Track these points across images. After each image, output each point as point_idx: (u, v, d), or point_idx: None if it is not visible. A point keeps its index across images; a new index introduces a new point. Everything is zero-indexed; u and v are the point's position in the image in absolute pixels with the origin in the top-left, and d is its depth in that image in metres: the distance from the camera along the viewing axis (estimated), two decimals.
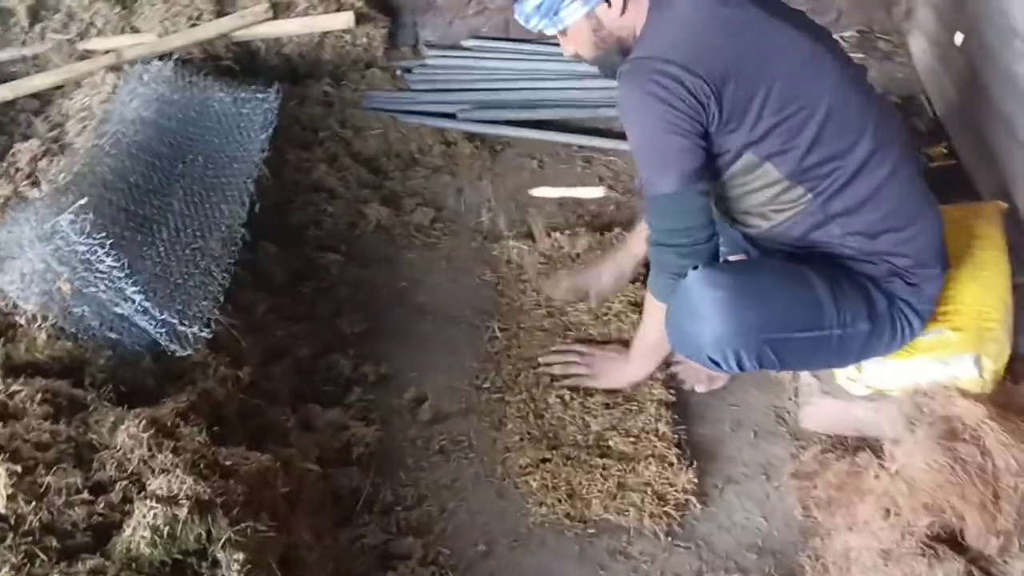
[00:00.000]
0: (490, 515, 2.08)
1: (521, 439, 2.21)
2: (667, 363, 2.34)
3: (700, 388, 2.31)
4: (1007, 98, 2.59)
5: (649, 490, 2.07)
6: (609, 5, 1.87)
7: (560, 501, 2.07)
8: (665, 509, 2.04)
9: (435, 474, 2.17)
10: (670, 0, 1.87)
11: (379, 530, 2.02)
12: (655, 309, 2.05)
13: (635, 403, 2.26)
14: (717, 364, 1.92)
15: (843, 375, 2.14)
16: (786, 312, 1.89)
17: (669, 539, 2.02)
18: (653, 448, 2.16)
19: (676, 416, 2.25)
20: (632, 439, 2.18)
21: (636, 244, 2.40)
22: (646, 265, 2.30)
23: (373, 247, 2.78)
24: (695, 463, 2.14)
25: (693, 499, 2.07)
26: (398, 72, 3.42)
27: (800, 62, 1.86)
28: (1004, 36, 2.60)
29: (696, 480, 2.10)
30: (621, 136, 3.10)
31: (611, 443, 2.18)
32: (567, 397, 2.28)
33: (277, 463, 1.86)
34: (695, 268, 1.88)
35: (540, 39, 3.45)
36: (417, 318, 2.57)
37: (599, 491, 2.07)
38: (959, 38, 2.94)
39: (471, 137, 3.16)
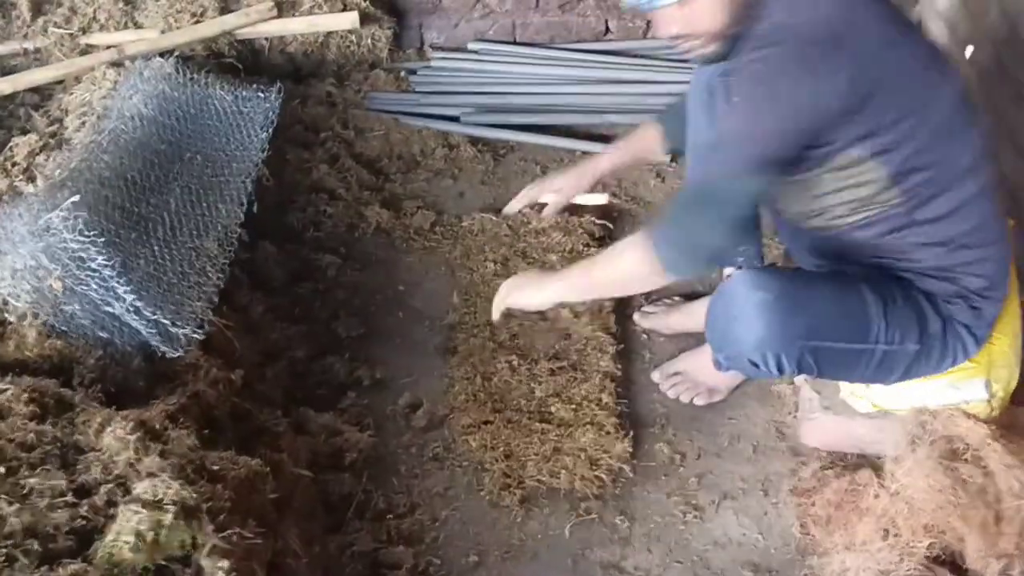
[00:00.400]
0: (483, 525, 2.05)
1: (467, 400, 2.28)
2: (671, 372, 2.32)
3: (699, 401, 2.29)
4: (1016, 113, 2.56)
5: (583, 455, 2.12)
6: None
7: (497, 461, 2.13)
8: (597, 474, 2.09)
9: (428, 482, 2.14)
10: None
11: (370, 538, 1.99)
12: (633, 263, 1.88)
13: (581, 372, 2.32)
14: (756, 366, 1.86)
15: (848, 390, 2.11)
16: (832, 321, 1.83)
17: (665, 554, 1.99)
18: (593, 416, 2.21)
19: (620, 389, 2.29)
20: (574, 406, 2.24)
21: (603, 160, 2.38)
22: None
23: (372, 249, 2.75)
24: (632, 433, 2.18)
25: (626, 467, 2.12)
26: (402, 74, 3.39)
27: (923, 61, 1.76)
28: (1015, 50, 2.57)
29: (631, 449, 2.15)
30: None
31: (553, 409, 2.25)
32: (515, 362, 2.34)
33: (267, 468, 1.82)
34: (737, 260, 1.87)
35: (546, 43, 3.46)
36: (414, 323, 2.54)
37: (535, 454, 2.14)
38: (969, 51, 2.91)
39: (474, 141, 3.13)
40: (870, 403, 2.07)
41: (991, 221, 1.88)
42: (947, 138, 1.77)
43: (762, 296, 1.81)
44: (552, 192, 2.37)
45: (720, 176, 1.77)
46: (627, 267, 1.90)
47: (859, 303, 1.84)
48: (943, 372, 1.98)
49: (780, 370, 1.85)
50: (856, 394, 2.08)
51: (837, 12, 1.68)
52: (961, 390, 1.99)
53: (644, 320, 2.52)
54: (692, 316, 2.41)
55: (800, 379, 2.23)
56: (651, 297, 2.57)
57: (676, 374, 2.31)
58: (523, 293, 2.06)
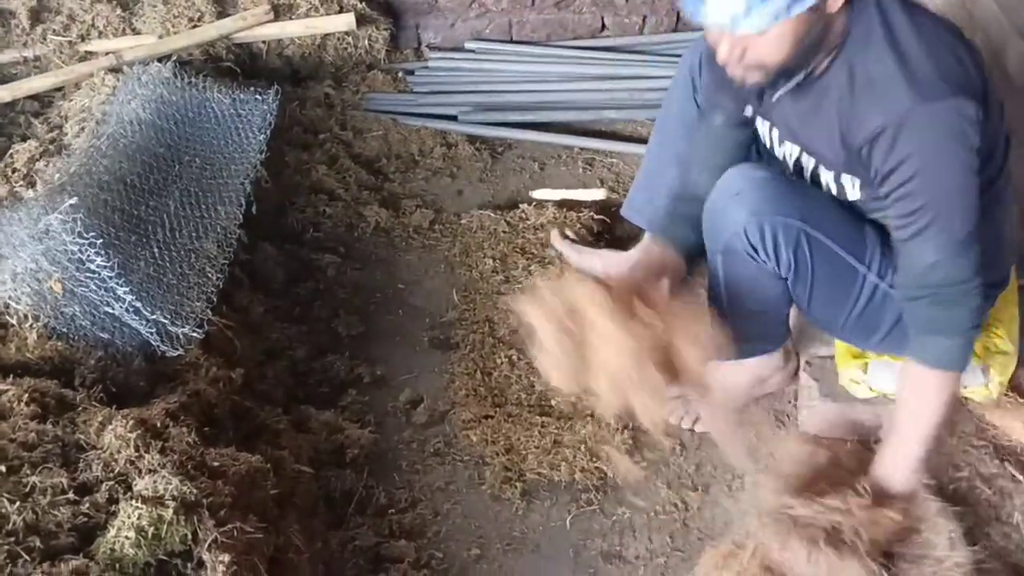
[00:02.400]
0: (484, 518, 2.06)
1: (467, 395, 2.29)
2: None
3: (687, 424, 2.23)
4: (1010, 102, 2.55)
5: (583, 447, 2.14)
6: None
7: (498, 455, 2.14)
8: (597, 465, 2.10)
9: (429, 477, 2.15)
10: (886, 5, 1.64)
11: (371, 533, 2.00)
12: (932, 388, 1.76)
13: None
14: (754, 251, 1.83)
15: (847, 377, 2.11)
16: (830, 218, 1.80)
17: (666, 544, 2.00)
18: (593, 409, 2.19)
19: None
20: (574, 399, 2.22)
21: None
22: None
23: (371, 249, 2.76)
24: (631, 425, 2.16)
25: (627, 458, 2.11)
26: (399, 74, 3.41)
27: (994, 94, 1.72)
28: (1008, 40, 2.57)
29: (630, 441, 2.14)
30: (622, 138, 3.12)
31: (553, 402, 2.26)
32: (514, 357, 2.36)
33: (267, 464, 1.84)
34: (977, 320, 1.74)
35: (542, 41, 3.47)
36: (414, 320, 2.55)
37: (535, 447, 2.15)
38: None
39: (472, 139, 3.14)
40: (869, 388, 2.07)
41: (1008, 220, 1.88)
42: (994, 154, 1.76)
43: (761, 173, 1.84)
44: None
45: (951, 258, 1.67)
46: (940, 401, 1.77)
47: (858, 222, 1.83)
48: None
49: (777, 255, 1.81)
50: (854, 380, 2.08)
51: (944, 38, 1.64)
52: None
53: (560, 243, 2.55)
54: (603, 260, 2.44)
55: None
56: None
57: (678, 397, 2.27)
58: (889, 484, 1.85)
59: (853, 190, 1.81)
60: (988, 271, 1.74)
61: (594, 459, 2.11)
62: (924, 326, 1.74)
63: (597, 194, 2.87)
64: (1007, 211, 1.87)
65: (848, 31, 1.64)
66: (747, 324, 1.97)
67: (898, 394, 1.87)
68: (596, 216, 2.75)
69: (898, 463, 1.83)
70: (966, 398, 2.05)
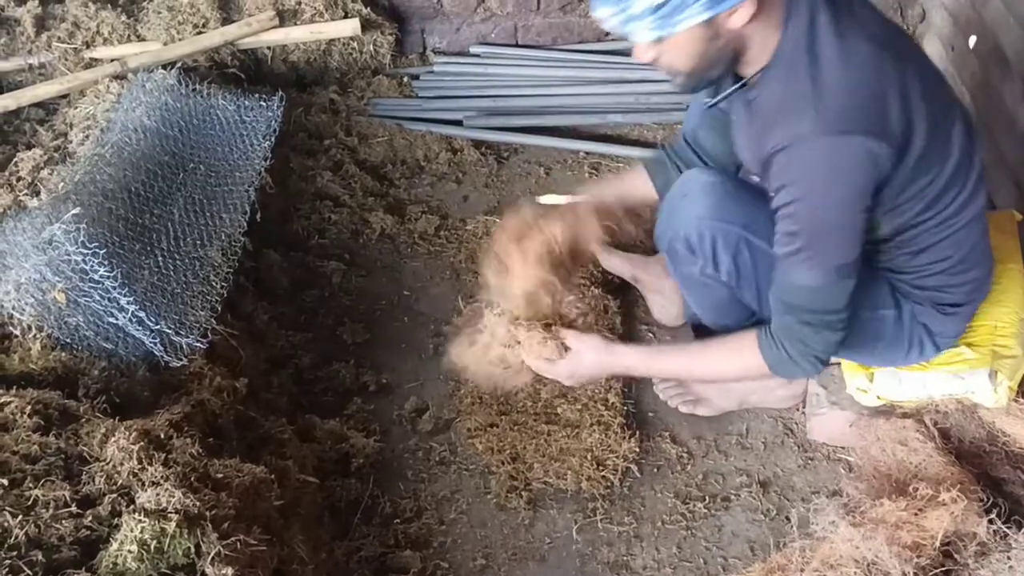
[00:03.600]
0: (490, 528, 2.05)
1: (472, 403, 2.28)
2: None
3: (684, 408, 2.25)
4: (1021, 103, 2.54)
5: (589, 455, 2.12)
6: (732, 14, 1.58)
7: (503, 463, 2.14)
8: (603, 474, 2.09)
9: (435, 486, 2.14)
10: (817, 23, 1.61)
11: (377, 543, 2.00)
12: (746, 355, 1.85)
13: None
14: (692, 251, 1.88)
15: (854, 385, 2.09)
16: (773, 229, 1.77)
17: (673, 553, 1.99)
18: (599, 417, 2.21)
19: (626, 389, 2.29)
20: (579, 407, 2.23)
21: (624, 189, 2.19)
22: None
23: (377, 255, 2.75)
24: (638, 433, 2.18)
25: (634, 467, 2.12)
26: (405, 79, 3.39)
27: (939, 110, 1.68)
28: (1018, 39, 2.55)
29: (637, 449, 2.14)
30: (628, 142, 3.11)
31: (559, 410, 2.24)
32: None
33: (271, 475, 1.83)
34: (834, 351, 1.80)
35: (548, 45, 3.45)
36: (419, 328, 2.54)
37: (542, 456, 2.14)
38: (973, 41, 2.89)
39: (478, 144, 3.13)
40: (876, 396, 2.05)
41: (978, 245, 1.87)
42: (951, 185, 1.75)
43: (711, 178, 1.89)
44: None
45: (807, 288, 1.71)
46: (739, 368, 1.90)
47: None
48: (905, 364, 2.00)
49: (716, 260, 1.86)
50: (862, 389, 2.07)
51: (875, 75, 1.60)
52: (965, 380, 1.98)
53: (607, 257, 2.49)
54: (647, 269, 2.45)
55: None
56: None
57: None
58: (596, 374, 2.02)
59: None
60: (942, 294, 1.87)
61: (601, 468, 2.09)
62: (785, 335, 1.78)
63: None
64: (974, 247, 1.85)
65: (779, 49, 1.64)
66: (714, 323, 1.99)
67: (723, 343, 1.93)
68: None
69: (630, 361, 1.96)
70: (975, 404, 2.03)
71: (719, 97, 1.79)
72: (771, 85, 1.66)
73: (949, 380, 2.00)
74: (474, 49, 3.50)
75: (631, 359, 1.98)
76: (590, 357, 1.93)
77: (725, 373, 1.97)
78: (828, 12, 1.61)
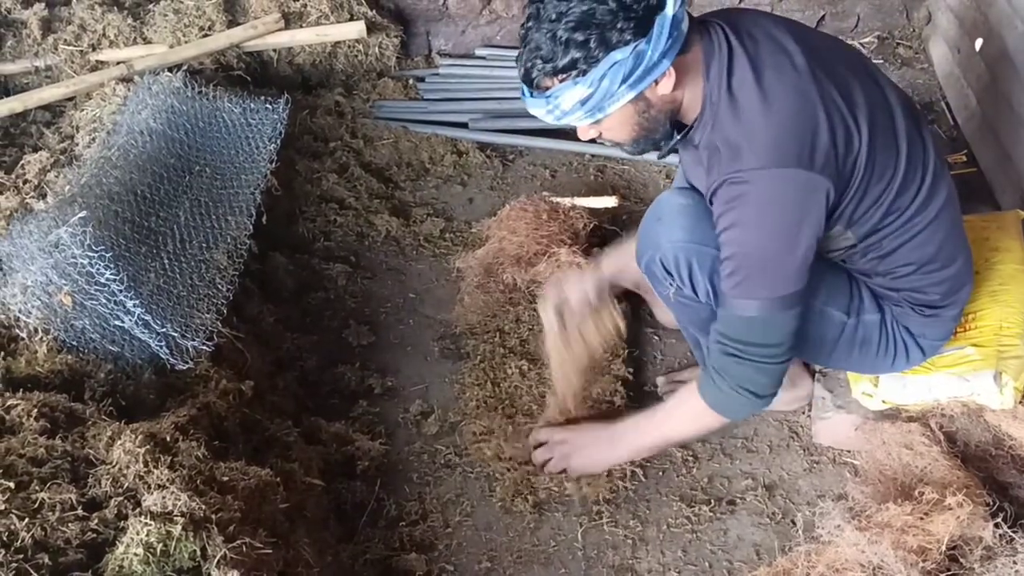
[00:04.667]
0: (495, 531, 2.05)
1: (478, 407, 2.27)
2: (675, 380, 2.33)
3: None
4: None
5: None
6: (656, 83, 1.64)
7: (509, 470, 2.12)
8: (608, 478, 2.08)
9: (440, 488, 2.14)
10: (733, 67, 1.67)
11: (382, 546, 2.00)
12: (697, 416, 1.91)
13: (592, 375, 2.26)
14: (669, 274, 1.89)
15: (859, 389, 2.09)
16: None
17: (678, 556, 1.98)
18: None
19: (631, 392, 2.28)
20: (586, 408, 2.21)
21: (605, 265, 2.23)
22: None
23: (382, 258, 2.76)
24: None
25: (639, 471, 2.11)
26: (410, 81, 3.40)
27: (881, 121, 1.72)
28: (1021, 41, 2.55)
29: (646, 456, 2.13)
30: None
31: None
32: (524, 368, 2.33)
33: (277, 478, 1.83)
34: (771, 389, 1.82)
35: None
36: (424, 330, 2.54)
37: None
38: (979, 44, 2.89)
39: (483, 147, 3.14)
40: (881, 400, 2.05)
41: (950, 239, 1.87)
42: (908, 183, 1.77)
43: (684, 201, 1.89)
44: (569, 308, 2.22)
45: (750, 319, 1.73)
46: (692, 424, 1.96)
47: None
48: (895, 371, 2.01)
49: (692, 281, 1.86)
50: (867, 393, 2.07)
51: (798, 107, 1.64)
52: (971, 382, 1.98)
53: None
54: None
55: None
56: None
57: (679, 382, 2.29)
58: (587, 458, 2.08)
59: None
60: (919, 294, 1.89)
61: (606, 472, 2.08)
62: (719, 369, 1.80)
63: (609, 201, 2.85)
64: (944, 243, 1.86)
65: (705, 97, 1.70)
66: (700, 341, 2.00)
67: (671, 401, 2.01)
68: (608, 226, 2.73)
69: (620, 443, 2.05)
70: (981, 408, 2.02)
71: (666, 149, 1.84)
72: (704, 130, 1.72)
73: (954, 382, 2.00)
74: (479, 51, 3.51)
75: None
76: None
77: (682, 431, 2.01)
78: (743, 53, 1.67)
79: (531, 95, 1.68)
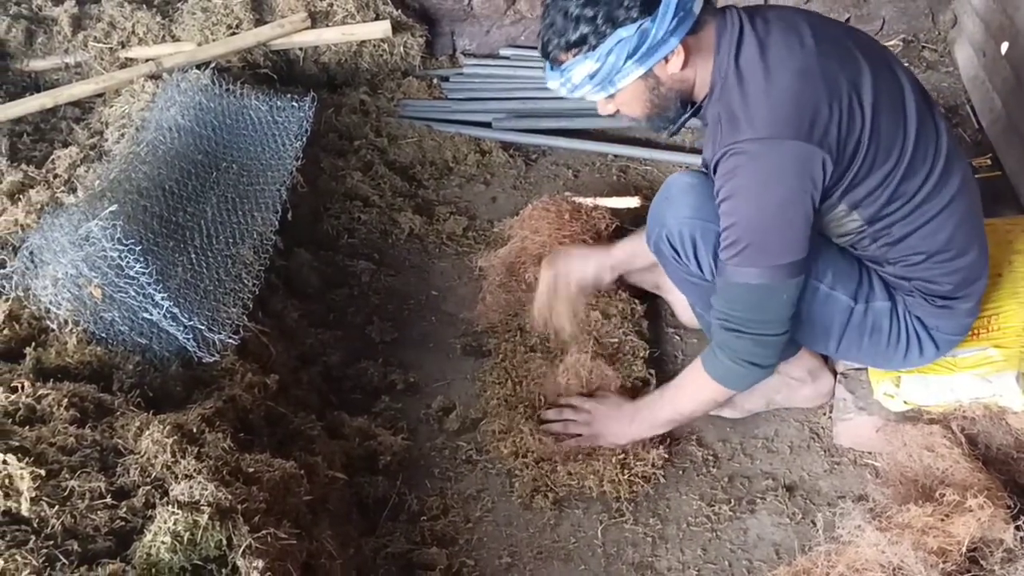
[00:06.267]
0: (516, 527, 2.07)
1: (499, 404, 2.29)
2: None
3: (727, 413, 2.27)
4: None
5: (614, 459, 2.11)
6: (667, 61, 1.74)
7: (528, 467, 2.14)
8: (628, 477, 2.09)
9: (461, 484, 2.15)
10: (742, 44, 1.74)
11: (404, 540, 2.02)
12: (704, 389, 1.97)
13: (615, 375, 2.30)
14: (676, 252, 1.93)
15: (881, 391, 2.09)
16: None
17: (697, 555, 1.99)
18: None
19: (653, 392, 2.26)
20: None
21: (616, 252, 2.31)
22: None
23: (405, 255, 2.78)
24: (667, 440, 2.18)
25: (660, 473, 2.12)
26: (434, 81, 3.42)
27: (888, 104, 1.75)
28: None
29: (666, 455, 2.14)
30: (657, 146, 3.10)
31: None
32: (546, 367, 2.33)
33: (301, 470, 1.85)
34: (772, 360, 1.87)
35: None
36: (447, 327, 2.56)
37: (567, 459, 2.14)
38: (1005, 47, 2.88)
39: (506, 146, 3.15)
40: (903, 401, 2.05)
41: (963, 229, 1.87)
42: (917, 167, 1.79)
43: (691, 180, 1.95)
44: (562, 290, 2.32)
45: (749, 288, 1.78)
46: (699, 396, 2.02)
47: None
48: (908, 367, 2.02)
49: (697, 258, 1.90)
50: (888, 394, 2.07)
51: (800, 83, 1.68)
52: (993, 384, 1.98)
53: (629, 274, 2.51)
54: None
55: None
56: None
57: None
58: (607, 428, 2.14)
59: None
60: (931, 284, 1.90)
61: (625, 471, 2.09)
62: (720, 343, 1.87)
63: (631, 202, 2.87)
64: (955, 234, 1.86)
65: (714, 74, 1.77)
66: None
67: (680, 376, 2.07)
68: (630, 227, 2.73)
69: (638, 418, 2.11)
70: (1003, 410, 2.02)
71: (677, 124, 1.91)
72: (714, 105, 1.79)
73: (976, 383, 2.00)
74: (503, 51, 3.52)
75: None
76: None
77: (691, 405, 2.06)
78: (752, 32, 1.74)
79: (550, 68, 1.79)
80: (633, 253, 2.28)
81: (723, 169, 1.74)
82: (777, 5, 1.88)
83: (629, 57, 1.70)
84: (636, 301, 2.47)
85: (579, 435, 2.15)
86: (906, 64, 1.91)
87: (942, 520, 1.79)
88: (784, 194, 1.71)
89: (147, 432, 1.71)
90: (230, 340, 2.04)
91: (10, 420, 1.69)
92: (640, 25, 1.67)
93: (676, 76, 1.77)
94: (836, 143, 1.70)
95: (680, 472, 2.16)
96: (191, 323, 1.98)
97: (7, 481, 1.53)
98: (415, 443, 2.24)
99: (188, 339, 1.98)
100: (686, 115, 1.87)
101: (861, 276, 1.93)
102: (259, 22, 3.20)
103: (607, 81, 1.74)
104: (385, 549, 1.99)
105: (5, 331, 1.96)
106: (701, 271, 1.93)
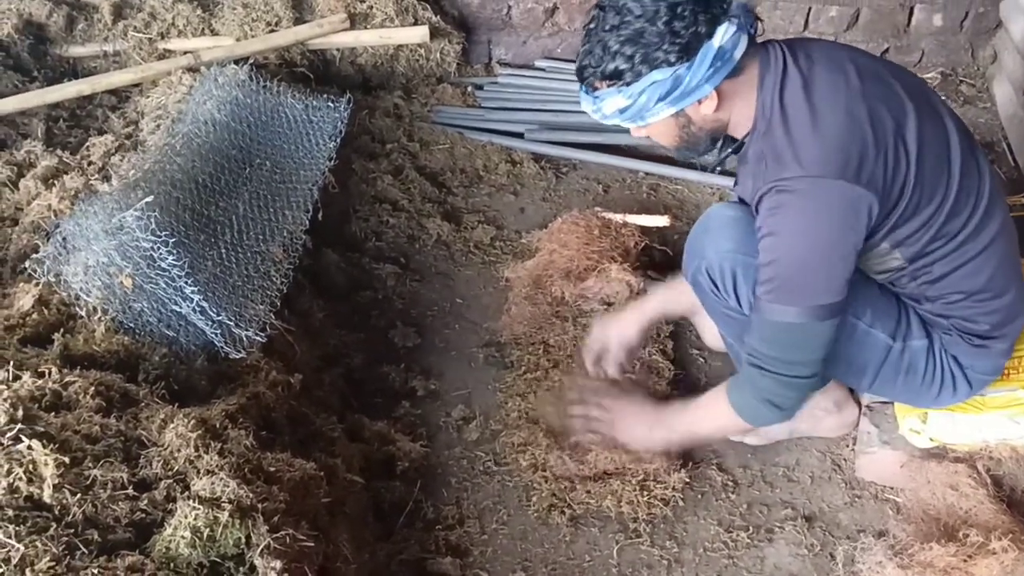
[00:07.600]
0: (531, 542, 2.05)
1: (519, 417, 2.28)
2: None
3: (734, 436, 2.25)
4: None
5: (633, 480, 2.09)
6: (700, 103, 1.73)
7: (546, 481, 2.12)
8: (647, 499, 2.07)
9: (478, 495, 2.14)
10: (786, 82, 1.72)
11: (418, 547, 2.01)
12: (723, 415, 1.94)
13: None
14: (715, 285, 1.92)
15: (907, 426, 2.07)
16: None
17: None
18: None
19: None
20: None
21: (650, 304, 2.27)
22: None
23: (432, 261, 2.78)
24: (688, 464, 2.17)
25: (679, 496, 2.09)
26: (469, 88, 3.42)
27: (932, 145, 1.74)
28: None
29: (687, 479, 2.12)
30: (688, 165, 3.09)
31: None
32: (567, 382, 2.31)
33: (321, 472, 1.84)
34: (795, 403, 1.85)
35: None
36: (470, 336, 2.55)
37: (585, 478, 2.11)
38: None
39: (537, 158, 3.15)
40: (929, 438, 2.03)
41: (1002, 269, 1.86)
42: (960, 208, 1.77)
43: (732, 213, 1.93)
44: (608, 351, 2.28)
45: (784, 326, 1.75)
46: (716, 423, 2.00)
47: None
48: (940, 405, 1.99)
49: (736, 293, 1.89)
50: (915, 430, 2.05)
51: (848, 124, 1.67)
52: (1021, 425, 1.95)
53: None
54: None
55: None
56: None
57: None
58: (628, 429, 2.12)
59: None
60: (970, 323, 1.87)
61: (645, 492, 2.08)
62: (747, 378, 1.85)
63: (660, 220, 2.86)
64: (995, 273, 1.85)
65: (758, 112, 1.75)
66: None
67: (705, 396, 2.03)
68: (659, 246, 2.72)
69: (656, 427, 2.09)
70: None
71: (716, 161, 1.93)
72: (757, 142, 1.76)
73: (1005, 424, 1.98)
74: (539, 63, 3.52)
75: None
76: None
77: (708, 429, 2.06)
78: (796, 70, 1.72)
79: (584, 91, 1.78)
80: (664, 303, 2.25)
81: (767, 204, 1.71)
82: (818, 40, 1.86)
83: (661, 100, 1.69)
84: (662, 321, 2.45)
85: (600, 434, 2.14)
86: (943, 98, 1.89)
87: (964, 561, 1.77)
88: (829, 234, 1.69)
89: (171, 425, 1.71)
90: (257, 337, 2.04)
91: (36, 405, 1.68)
92: (675, 71, 1.65)
93: (708, 117, 1.77)
94: (882, 186, 1.68)
95: (699, 496, 2.14)
96: (219, 318, 1.98)
97: (31, 467, 1.52)
98: (433, 450, 2.23)
99: (216, 334, 1.97)
100: (727, 152, 1.87)
101: (900, 314, 1.91)
102: (298, 21, 3.21)
103: (637, 116, 1.74)
104: (399, 555, 1.98)
105: (34, 315, 1.97)
106: (740, 305, 1.91)
